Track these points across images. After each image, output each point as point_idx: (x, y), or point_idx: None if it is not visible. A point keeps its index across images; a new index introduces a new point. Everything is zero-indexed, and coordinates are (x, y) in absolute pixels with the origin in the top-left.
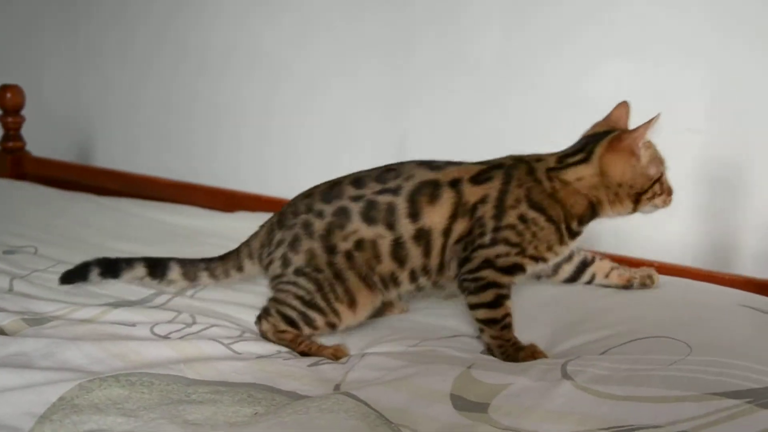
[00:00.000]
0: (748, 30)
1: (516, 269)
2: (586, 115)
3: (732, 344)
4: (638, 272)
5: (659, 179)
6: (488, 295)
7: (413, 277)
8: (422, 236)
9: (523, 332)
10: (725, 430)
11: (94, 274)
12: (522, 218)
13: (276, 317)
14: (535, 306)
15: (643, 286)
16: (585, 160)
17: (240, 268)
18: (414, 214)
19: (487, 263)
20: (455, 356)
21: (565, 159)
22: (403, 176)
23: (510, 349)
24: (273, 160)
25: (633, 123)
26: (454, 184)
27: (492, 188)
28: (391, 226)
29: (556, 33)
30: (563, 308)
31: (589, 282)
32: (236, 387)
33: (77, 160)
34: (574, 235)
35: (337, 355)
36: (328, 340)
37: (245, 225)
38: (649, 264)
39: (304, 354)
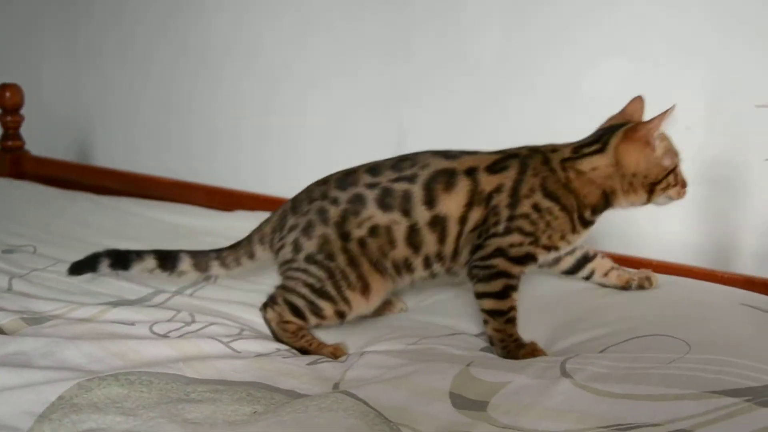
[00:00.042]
0: (748, 30)
1: (528, 259)
2: (586, 115)
3: (731, 343)
4: (637, 274)
5: (673, 170)
6: (497, 285)
7: (427, 263)
8: (438, 223)
9: (523, 331)
10: (724, 429)
11: (104, 265)
12: (536, 207)
13: (282, 306)
14: (534, 305)
15: (641, 288)
16: (600, 150)
17: (251, 255)
18: (430, 201)
19: (500, 252)
20: (454, 354)
21: (580, 149)
22: (419, 165)
23: (511, 345)
24: (272, 159)
25: (644, 118)
26: (470, 172)
27: (507, 178)
28: (406, 212)
29: (555, 33)
30: (562, 307)
31: (587, 278)
32: (235, 386)
33: (76, 159)
34: (587, 224)
35: (336, 354)
36: (328, 338)
37: (245, 224)
38: (648, 263)
39: (303, 350)
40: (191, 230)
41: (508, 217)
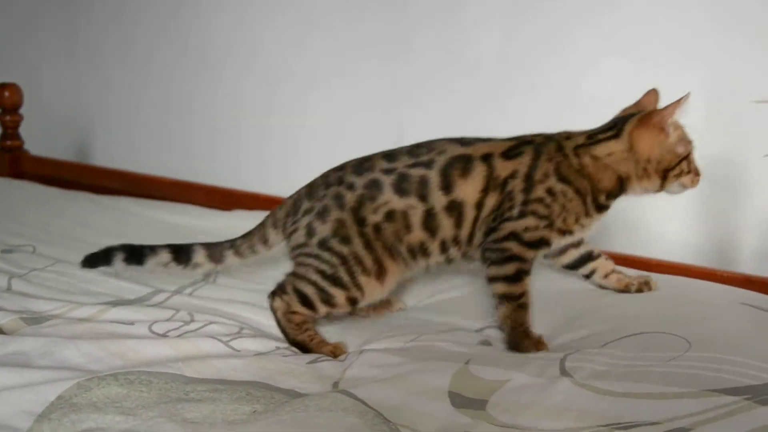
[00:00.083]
0: (748, 30)
1: (542, 243)
2: (586, 115)
3: (731, 341)
4: (636, 278)
5: (687, 158)
6: (510, 268)
7: (444, 247)
8: (454, 207)
9: None
10: (724, 427)
11: (119, 259)
12: (550, 191)
13: (291, 295)
14: (534, 304)
15: (639, 291)
16: (615, 136)
17: (265, 241)
18: (447, 187)
19: (514, 236)
20: (453, 351)
21: (595, 136)
22: (435, 151)
23: (519, 334)
24: (272, 159)
25: None
26: (486, 158)
27: (521, 163)
28: (423, 197)
29: (555, 33)
30: (562, 306)
31: (587, 276)
32: (235, 385)
33: (76, 159)
34: (601, 208)
35: (335, 352)
36: (328, 336)
37: (244, 223)
38: (648, 262)
39: (302, 345)
40: (191, 230)
41: (522, 201)
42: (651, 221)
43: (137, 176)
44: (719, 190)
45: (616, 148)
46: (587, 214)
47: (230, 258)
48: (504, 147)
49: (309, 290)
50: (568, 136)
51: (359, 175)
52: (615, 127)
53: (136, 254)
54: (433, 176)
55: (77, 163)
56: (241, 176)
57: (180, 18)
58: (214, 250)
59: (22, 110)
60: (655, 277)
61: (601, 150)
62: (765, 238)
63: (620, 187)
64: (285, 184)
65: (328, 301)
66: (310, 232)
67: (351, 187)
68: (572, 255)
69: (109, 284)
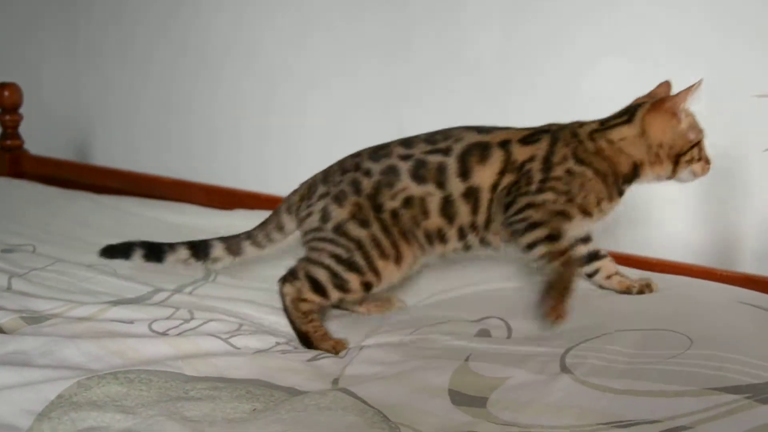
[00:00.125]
0: (748, 30)
1: (562, 215)
2: (586, 115)
3: (731, 340)
4: (637, 281)
5: (698, 145)
6: (539, 233)
7: (462, 234)
8: (471, 194)
9: (522, 322)
10: (724, 425)
11: (138, 255)
12: (569, 172)
13: (303, 281)
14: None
15: (641, 293)
16: (628, 121)
17: (280, 227)
18: (464, 173)
19: (531, 206)
20: (453, 346)
21: (608, 122)
22: (452, 138)
23: (562, 291)
24: (272, 158)
25: None
26: (504, 144)
27: (540, 149)
28: (441, 184)
29: (555, 32)
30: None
31: (591, 275)
32: (235, 383)
33: (76, 158)
34: (620, 193)
35: (336, 348)
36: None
37: (244, 223)
38: (648, 261)
39: (305, 336)
40: (191, 229)
41: (541, 179)
42: (651, 221)
43: (137, 176)
44: (719, 190)
45: (628, 133)
46: (610, 199)
47: (248, 249)
48: (521, 134)
49: (321, 275)
50: (581, 124)
51: (376, 161)
52: (627, 113)
53: (155, 251)
54: (451, 163)
55: (77, 163)
56: (241, 176)
57: (180, 18)
58: (232, 243)
59: (22, 110)
60: (656, 277)
61: (614, 134)
62: (765, 237)
63: (634, 172)
64: (285, 184)
65: (341, 286)
66: (325, 216)
67: (368, 173)
68: (581, 251)
69: (109, 283)
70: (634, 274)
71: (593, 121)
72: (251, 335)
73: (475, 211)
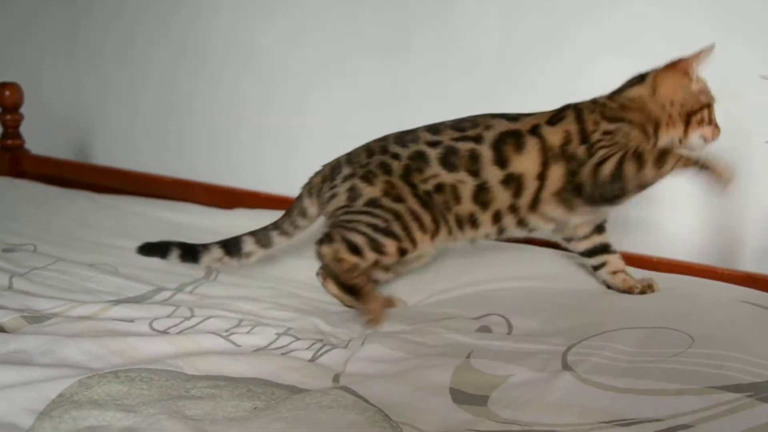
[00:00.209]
0: (748, 30)
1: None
2: None
3: (733, 338)
4: (640, 282)
5: (708, 107)
6: (632, 162)
7: (497, 217)
8: (512, 180)
9: (521, 318)
10: (726, 424)
11: (174, 255)
12: (606, 132)
13: (339, 243)
14: (534, 294)
15: (642, 294)
16: (639, 82)
17: (303, 212)
18: (502, 162)
19: (598, 164)
20: (454, 341)
21: (620, 88)
22: (481, 126)
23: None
24: (271, 157)
25: None
26: (534, 130)
27: (569, 124)
28: (474, 173)
29: (555, 32)
30: (566, 300)
31: (597, 268)
32: (236, 381)
33: (76, 158)
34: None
35: (377, 318)
36: (332, 320)
37: (244, 222)
38: (649, 260)
39: (353, 289)
40: (192, 228)
41: (586, 151)
42: (652, 220)
43: (137, 175)
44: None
45: (641, 92)
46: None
47: (277, 239)
48: (547, 116)
49: (359, 239)
50: (594, 99)
51: (403, 147)
52: (639, 77)
53: (191, 252)
54: (485, 151)
55: (77, 163)
56: (241, 175)
57: (180, 18)
58: (261, 236)
59: (23, 109)
60: (657, 275)
61: (630, 93)
62: (766, 236)
63: (654, 133)
64: (284, 183)
65: (377, 248)
66: (353, 195)
67: (396, 156)
68: (594, 241)
69: (110, 282)
70: (636, 273)
71: (604, 95)
72: (251, 330)
73: (517, 194)
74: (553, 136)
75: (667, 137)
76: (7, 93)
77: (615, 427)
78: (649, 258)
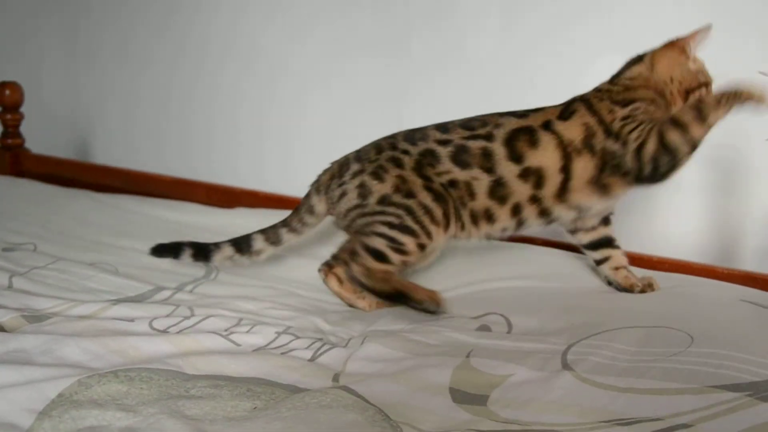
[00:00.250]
0: (748, 30)
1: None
2: None
3: (732, 337)
4: (640, 280)
5: (707, 86)
6: (673, 130)
7: (516, 210)
8: (530, 174)
9: (521, 316)
10: (725, 423)
11: (187, 255)
12: (624, 118)
13: (364, 256)
14: (535, 299)
15: (642, 293)
16: (638, 62)
17: (311, 210)
18: (516, 158)
19: (640, 144)
20: (454, 340)
21: (618, 71)
22: (491, 124)
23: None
24: (271, 156)
25: None
26: (547, 126)
27: (585, 117)
28: (489, 169)
29: (554, 30)
30: (566, 299)
31: (599, 262)
32: (235, 381)
33: (76, 157)
34: None
35: (434, 298)
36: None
37: (244, 221)
38: (648, 259)
39: (397, 293)
40: (191, 227)
41: (615, 142)
42: (652, 219)
43: (137, 174)
44: (720, 188)
45: (641, 70)
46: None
47: (286, 236)
48: (557, 111)
49: (379, 243)
50: (597, 88)
51: (413, 144)
52: (636, 57)
53: (203, 251)
54: (497, 148)
55: (77, 162)
56: (240, 174)
57: (179, 18)
58: (271, 234)
59: (23, 109)
60: (657, 275)
61: (630, 73)
62: (766, 235)
63: (666, 106)
64: (284, 182)
65: (399, 249)
66: (363, 192)
67: (406, 152)
68: (599, 232)
69: (109, 282)
70: (636, 273)
71: (605, 81)
72: (251, 329)
73: (539, 185)
74: (571, 131)
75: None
76: (7, 92)
77: (615, 426)
78: (648, 257)
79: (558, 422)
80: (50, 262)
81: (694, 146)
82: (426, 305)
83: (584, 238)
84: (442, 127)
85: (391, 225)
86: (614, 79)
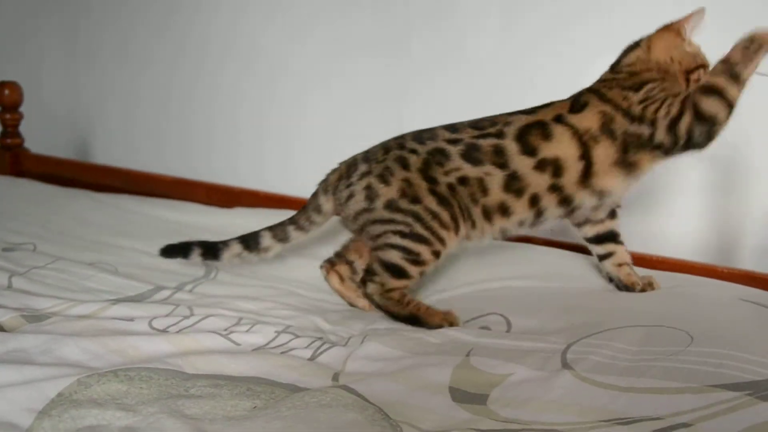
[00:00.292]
0: (747, 28)
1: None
2: None
3: (732, 337)
4: (641, 280)
5: (704, 67)
6: (707, 97)
7: (534, 201)
8: (547, 164)
9: (521, 316)
10: (725, 423)
11: (196, 254)
12: (641, 101)
13: (382, 273)
14: (535, 298)
15: (643, 292)
16: (635, 48)
17: (318, 209)
18: (530, 151)
19: (672, 121)
20: (454, 338)
21: (617, 60)
22: (500, 123)
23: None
24: (271, 156)
25: None
26: (559, 119)
27: (599, 106)
28: (501, 165)
29: (554, 30)
30: (566, 298)
31: (603, 258)
32: (235, 380)
33: (76, 157)
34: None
35: (448, 319)
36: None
37: (244, 221)
38: (648, 258)
39: (412, 317)
40: (191, 227)
41: (640, 119)
42: (652, 219)
43: (137, 174)
44: (720, 188)
45: (639, 54)
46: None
47: (293, 234)
48: (566, 106)
49: (395, 256)
50: (600, 80)
51: (421, 143)
52: (633, 44)
53: (211, 249)
54: (509, 145)
55: (77, 161)
56: (240, 174)
57: (179, 18)
58: (278, 231)
59: (22, 109)
60: (657, 274)
61: (627, 60)
62: (766, 234)
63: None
64: (284, 183)
65: (415, 261)
66: (370, 195)
67: (414, 152)
68: (606, 225)
69: (109, 281)
70: (636, 272)
71: (606, 72)
72: (251, 328)
73: (557, 174)
74: (586, 121)
75: None
76: (6, 92)
77: (614, 425)
78: (649, 257)
79: (558, 421)
80: (50, 262)
81: (732, 106)
82: (440, 327)
83: (590, 231)
84: (451, 128)
85: (402, 234)
86: (615, 68)
